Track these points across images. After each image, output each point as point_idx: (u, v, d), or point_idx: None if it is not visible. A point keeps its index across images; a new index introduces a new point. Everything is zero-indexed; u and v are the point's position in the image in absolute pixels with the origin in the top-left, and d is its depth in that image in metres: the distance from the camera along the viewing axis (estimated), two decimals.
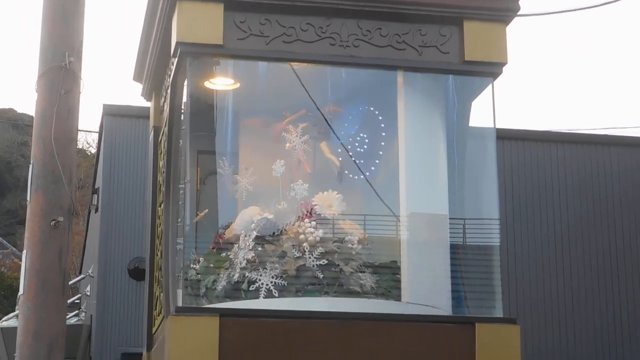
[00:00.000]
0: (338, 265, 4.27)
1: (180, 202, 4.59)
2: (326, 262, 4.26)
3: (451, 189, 4.54)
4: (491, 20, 4.47)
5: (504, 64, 4.48)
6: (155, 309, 4.90)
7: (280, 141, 4.72)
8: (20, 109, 41.36)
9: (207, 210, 4.69)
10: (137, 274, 10.87)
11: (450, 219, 4.55)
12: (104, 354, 11.22)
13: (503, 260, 4.64)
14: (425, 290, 4.36)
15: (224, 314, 3.98)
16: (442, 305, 4.35)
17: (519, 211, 11.63)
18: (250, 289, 4.21)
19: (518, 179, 11.79)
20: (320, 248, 4.30)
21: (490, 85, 4.52)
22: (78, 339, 12.11)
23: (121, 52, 54.63)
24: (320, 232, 4.36)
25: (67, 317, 7.69)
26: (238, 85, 4.69)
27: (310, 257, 4.27)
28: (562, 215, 11.90)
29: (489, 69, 4.48)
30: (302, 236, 4.36)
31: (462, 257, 4.60)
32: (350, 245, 4.40)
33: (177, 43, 4.27)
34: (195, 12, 4.23)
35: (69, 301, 10.21)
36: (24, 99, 55.68)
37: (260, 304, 4.18)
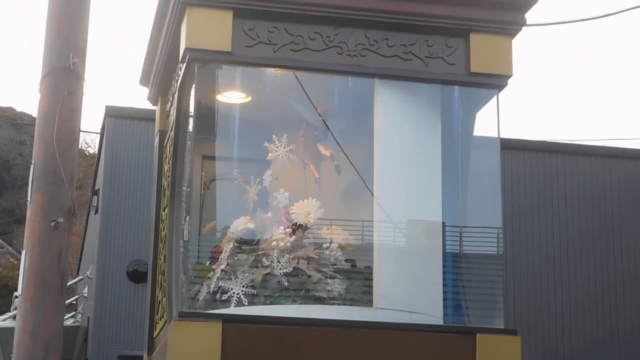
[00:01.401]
0: (305, 272, 4.27)
1: (182, 205, 4.60)
2: (291, 269, 4.27)
3: (454, 198, 4.54)
4: (497, 33, 4.49)
5: (509, 76, 4.50)
6: (157, 313, 4.90)
7: (303, 152, 4.74)
8: (19, 108, 41.30)
9: (214, 222, 4.70)
10: (135, 276, 10.85)
11: (450, 227, 4.55)
12: (101, 356, 11.21)
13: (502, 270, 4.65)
14: (410, 297, 4.31)
15: (226, 319, 3.99)
16: (432, 313, 4.32)
17: (519, 220, 11.64)
18: (223, 298, 4.22)
19: (519, 189, 11.80)
20: (288, 255, 4.30)
21: (495, 96, 4.54)
22: (74, 341, 12.08)
23: (116, 52, 54.64)
24: (292, 239, 4.37)
25: (64, 318, 7.68)
26: (249, 99, 4.71)
27: (277, 265, 4.28)
28: (562, 226, 11.91)
29: (494, 81, 4.50)
30: (274, 242, 4.38)
31: (463, 265, 4.59)
32: (329, 252, 4.39)
33: (186, 49, 4.28)
34: (204, 19, 4.25)
35: (66, 302, 10.19)
36: (23, 98, 55.69)
37: (263, 310, 4.19)
